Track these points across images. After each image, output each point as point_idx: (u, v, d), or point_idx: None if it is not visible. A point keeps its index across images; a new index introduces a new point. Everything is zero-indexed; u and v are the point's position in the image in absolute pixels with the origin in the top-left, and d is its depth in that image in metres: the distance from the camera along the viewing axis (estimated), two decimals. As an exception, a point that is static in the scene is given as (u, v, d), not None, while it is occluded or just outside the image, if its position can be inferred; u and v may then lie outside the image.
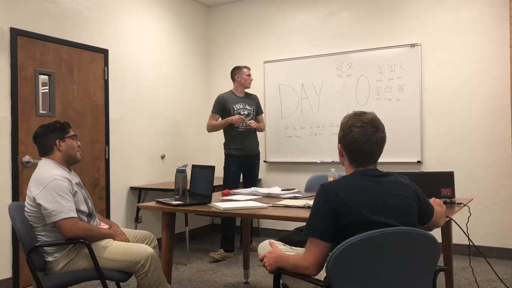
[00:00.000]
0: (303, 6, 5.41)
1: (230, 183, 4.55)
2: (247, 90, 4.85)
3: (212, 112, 4.75)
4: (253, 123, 4.63)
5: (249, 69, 4.82)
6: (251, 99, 4.83)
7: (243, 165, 4.70)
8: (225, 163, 4.72)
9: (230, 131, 4.65)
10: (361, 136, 1.77)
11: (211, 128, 4.78)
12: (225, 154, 4.73)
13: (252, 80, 4.83)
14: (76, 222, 2.47)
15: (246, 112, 4.70)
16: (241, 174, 4.77)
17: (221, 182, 4.96)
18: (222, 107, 4.68)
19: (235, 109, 4.66)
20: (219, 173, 5.72)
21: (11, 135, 3.66)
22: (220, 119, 4.70)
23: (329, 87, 5.19)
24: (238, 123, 4.57)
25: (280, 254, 1.88)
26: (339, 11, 5.19)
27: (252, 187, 3.64)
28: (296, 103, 5.40)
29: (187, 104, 5.68)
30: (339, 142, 1.88)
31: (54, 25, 4.03)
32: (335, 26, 5.21)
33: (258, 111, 4.88)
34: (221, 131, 4.79)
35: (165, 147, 5.29)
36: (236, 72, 4.79)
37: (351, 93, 5.04)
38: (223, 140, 4.76)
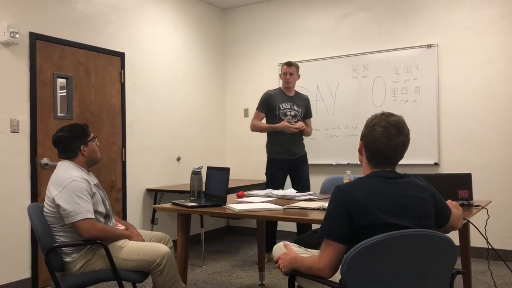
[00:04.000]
0: (318, 8, 5.40)
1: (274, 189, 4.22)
2: (298, 90, 4.50)
3: (256, 109, 4.41)
4: (300, 125, 4.23)
5: (288, 65, 4.37)
6: (301, 100, 4.44)
7: (288, 169, 4.42)
8: (267, 167, 4.44)
9: (274, 134, 4.34)
10: (383, 136, 1.76)
11: (255, 129, 4.44)
12: (268, 158, 4.45)
13: (289, 80, 4.36)
14: (93, 223, 2.50)
15: (293, 113, 4.33)
16: (286, 179, 4.48)
17: (237, 184, 4.96)
18: (267, 104, 4.35)
19: (281, 108, 4.32)
20: (234, 175, 5.74)
21: (30, 137, 3.73)
22: (265, 118, 4.41)
23: (345, 88, 5.16)
24: (286, 131, 4.22)
25: (294, 256, 1.87)
26: (354, 12, 5.17)
27: (267, 190, 3.61)
28: (311, 105, 5.37)
29: (203, 106, 5.71)
30: (361, 139, 1.86)
31: (71, 29, 4.09)
32: (350, 28, 5.19)
33: (307, 113, 4.48)
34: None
35: (181, 149, 5.32)
36: (280, 69, 4.46)
37: (367, 94, 5.01)
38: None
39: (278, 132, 4.28)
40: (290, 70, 4.35)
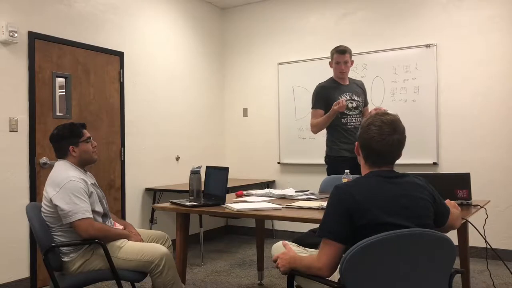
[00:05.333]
0: (317, 7, 5.40)
1: None
2: (351, 76, 3.92)
3: (312, 108, 3.86)
4: (342, 101, 3.57)
5: (341, 53, 3.75)
6: (358, 87, 3.87)
7: (353, 168, 3.57)
8: (330, 167, 3.83)
9: (335, 127, 3.77)
10: (377, 135, 1.77)
11: (317, 128, 3.83)
12: (330, 156, 3.84)
13: (344, 70, 3.77)
14: (91, 223, 2.50)
15: (354, 105, 3.77)
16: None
17: (236, 184, 4.95)
18: (324, 99, 3.77)
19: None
20: (232, 175, 5.74)
21: (28, 137, 3.72)
22: (323, 114, 3.77)
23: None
24: (342, 108, 3.57)
25: (293, 256, 1.87)
26: (353, 12, 5.17)
27: (266, 189, 3.61)
28: (310, 104, 5.37)
29: (202, 106, 5.70)
30: (357, 140, 1.88)
31: (70, 29, 4.09)
32: (349, 27, 5.19)
33: (365, 101, 3.95)
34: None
35: (180, 148, 5.32)
36: (331, 57, 3.85)
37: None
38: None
39: (338, 123, 3.75)
40: (344, 58, 3.75)
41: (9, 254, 3.58)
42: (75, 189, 2.50)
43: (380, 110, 2.56)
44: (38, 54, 3.80)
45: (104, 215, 2.71)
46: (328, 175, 3.80)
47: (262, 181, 5.48)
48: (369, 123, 1.81)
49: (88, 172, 2.81)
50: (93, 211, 2.58)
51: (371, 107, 3.93)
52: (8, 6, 3.62)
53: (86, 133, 2.75)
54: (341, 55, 3.75)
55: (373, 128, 1.78)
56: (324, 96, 3.78)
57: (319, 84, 3.89)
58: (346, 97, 3.74)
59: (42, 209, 2.57)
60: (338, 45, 3.88)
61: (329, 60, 3.88)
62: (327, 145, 3.90)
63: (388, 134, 1.76)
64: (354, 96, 3.81)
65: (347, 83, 3.84)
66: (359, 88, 3.87)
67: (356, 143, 1.89)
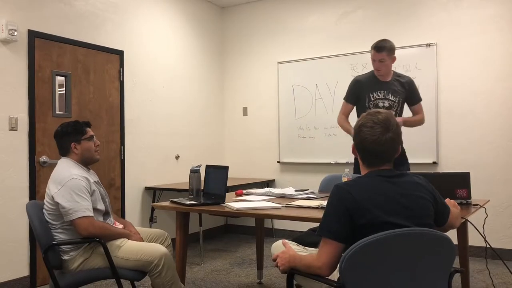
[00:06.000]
0: (317, 6, 5.39)
1: None
2: (398, 71, 3.67)
3: (344, 99, 3.71)
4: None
5: (378, 50, 3.44)
6: (400, 86, 3.56)
7: None
8: (357, 167, 3.58)
9: None
10: (370, 135, 1.77)
11: (341, 127, 3.72)
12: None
13: (379, 68, 3.49)
14: (92, 221, 2.50)
15: (387, 104, 3.52)
16: None
17: (235, 183, 4.96)
18: (355, 93, 3.61)
19: (371, 99, 3.55)
20: (232, 174, 5.74)
21: (28, 135, 3.72)
22: (354, 109, 3.68)
23: (344, 87, 5.10)
24: None
25: (293, 255, 1.87)
26: (353, 11, 5.17)
27: (266, 188, 3.62)
28: (310, 103, 5.39)
29: (202, 104, 5.70)
30: (353, 141, 1.88)
31: (70, 27, 4.09)
32: (349, 26, 5.18)
33: (411, 99, 3.61)
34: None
35: (180, 147, 5.32)
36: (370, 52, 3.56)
37: (366, 93, 5.00)
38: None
39: None
40: (379, 56, 3.44)
41: (9, 252, 3.58)
42: (77, 187, 2.50)
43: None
44: (37, 53, 3.80)
45: (106, 214, 2.71)
46: (355, 173, 3.61)
47: (261, 180, 5.48)
48: (361, 124, 1.81)
49: (91, 170, 2.81)
50: (95, 209, 2.58)
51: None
52: (8, 4, 3.61)
53: (90, 131, 2.74)
54: (376, 53, 3.45)
55: (365, 129, 1.79)
56: (356, 91, 3.61)
57: (356, 76, 3.70)
58: (379, 95, 3.53)
59: (45, 206, 2.58)
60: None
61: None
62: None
63: (380, 133, 1.76)
64: (390, 95, 3.52)
65: (389, 79, 3.54)
66: (401, 87, 3.55)
67: (352, 144, 1.89)
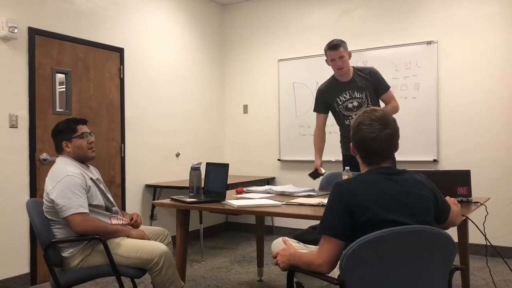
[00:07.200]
0: (318, 4, 5.38)
1: None
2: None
3: (314, 111, 3.77)
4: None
5: (333, 48, 3.43)
6: (362, 80, 3.50)
7: None
8: (345, 165, 3.39)
9: (344, 127, 3.58)
10: (368, 133, 1.77)
11: (314, 143, 3.78)
12: (345, 155, 3.71)
13: (340, 66, 3.46)
14: (85, 218, 2.49)
15: (355, 103, 3.50)
16: None
17: (236, 180, 4.95)
18: (322, 103, 3.64)
19: (339, 103, 3.55)
20: (232, 172, 5.74)
21: (28, 133, 3.72)
22: (325, 118, 3.72)
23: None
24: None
25: (293, 252, 1.87)
26: (354, 9, 5.16)
27: (266, 186, 3.62)
28: (311, 101, 5.34)
29: (202, 102, 5.70)
30: (351, 140, 1.88)
31: (70, 25, 4.08)
32: (350, 24, 5.18)
33: (378, 89, 3.52)
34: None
35: (180, 145, 5.32)
36: (325, 55, 3.54)
37: (366, 91, 4.99)
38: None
39: (344, 127, 3.61)
40: (338, 54, 3.42)
41: (9, 249, 3.59)
42: (72, 184, 2.50)
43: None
44: (38, 50, 3.80)
45: (107, 209, 2.71)
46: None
47: (262, 178, 5.48)
48: (359, 122, 1.81)
49: (92, 167, 2.81)
50: (92, 205, 2.57)
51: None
52: (8, 1, 3.61)
53: (82, 128, 2.71)
54: (334, 51, 3.43)
55: (363, 127, 1.78)
56: (322, 100, 3.66)
57: (319, 87, 3.74)
58: (346, 97, 3.54)
59: (44, 204, 2.58)
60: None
61: (325, 58, 3.58)
62: (340, 144, 3.78)
63: (379, 130, 1.76)
64: (356, 93, 3.51)
65: (349, 78, 3.52)
66: (364, 81, 3.50)
67: (351, 144, 1.88)
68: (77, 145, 2.68)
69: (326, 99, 3.61)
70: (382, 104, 3.62)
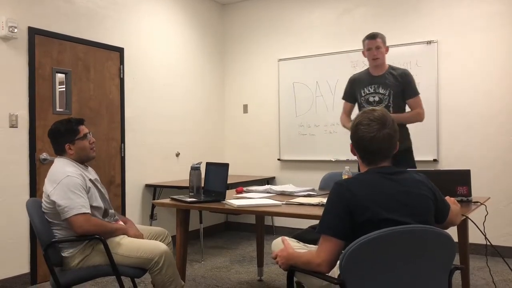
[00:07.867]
0: (318, 3, 5.38)
1: None
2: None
3: (342, 98, 3.80)
4: None
5: (372, 38, 3.50)
6: (392, 78, 3.50)
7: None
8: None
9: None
10: (367, 133, 1.77)
11: (343, 127, 3.83)
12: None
13: (376, 56, 3.48)
14: (88, 218, 2.48)
15: (376, 98, 3.51)
16: None
17: (236, 180, 4.96)
18: (351, 92, 3.70)
19: (362, 95, 3.58)
20: (232, 171, 5.74)
21: (28, 132, 3.72)
22: (351, 107, 3.74)
23: (344, 84, 5.14)
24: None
25: (291, 253, 1.87)
26: (354, 8, 5.16)
27: (266, 185, 3.62)
28: (311, 101, 5.38)
29: (202, 102, 5.70)
30: (351, 141, 1.88)
31: (71, 24, 4.08)
32: (350, 23, 5.17)
33: (405, 92, 3.49)
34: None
35: (180, 144, 5.32)
36: (363, 46, 3.60)
37: (366, 90, 4.99)
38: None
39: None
40: (375, 43, 3.48)
41: (9, 249, 3.59)
42: (72, 184, 2.49)
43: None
44: (38, 50, 3.80)
45: (105, 211, 2.70)
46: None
47: (262, 178, 5.48)
48: (357, 122, 1.81)
49: (90, 168, 2.81)
50: (92, 207, 2.57)
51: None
52: (8, 1, 3.61)
53: (83, 129, 2.70)
54: (372, 40, 3.48)
55: (362, 127, 1.79)
56: (351, 89, 3.70)
57: (352, 75, 3.76)
58: (370, 90, 3.52)
59: (42, 205, 2.57)
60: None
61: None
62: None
63: (377, 130, 1.76)
64: (380, 88, 3.48)
65: (381, 73, 3.51)
66: (393, 79, 3.48)
67: (350, 144, 1.88)
68: (81, 147, 2.67)
69: (355, 89, 3.64)
70: (407, 109, 3.59)
